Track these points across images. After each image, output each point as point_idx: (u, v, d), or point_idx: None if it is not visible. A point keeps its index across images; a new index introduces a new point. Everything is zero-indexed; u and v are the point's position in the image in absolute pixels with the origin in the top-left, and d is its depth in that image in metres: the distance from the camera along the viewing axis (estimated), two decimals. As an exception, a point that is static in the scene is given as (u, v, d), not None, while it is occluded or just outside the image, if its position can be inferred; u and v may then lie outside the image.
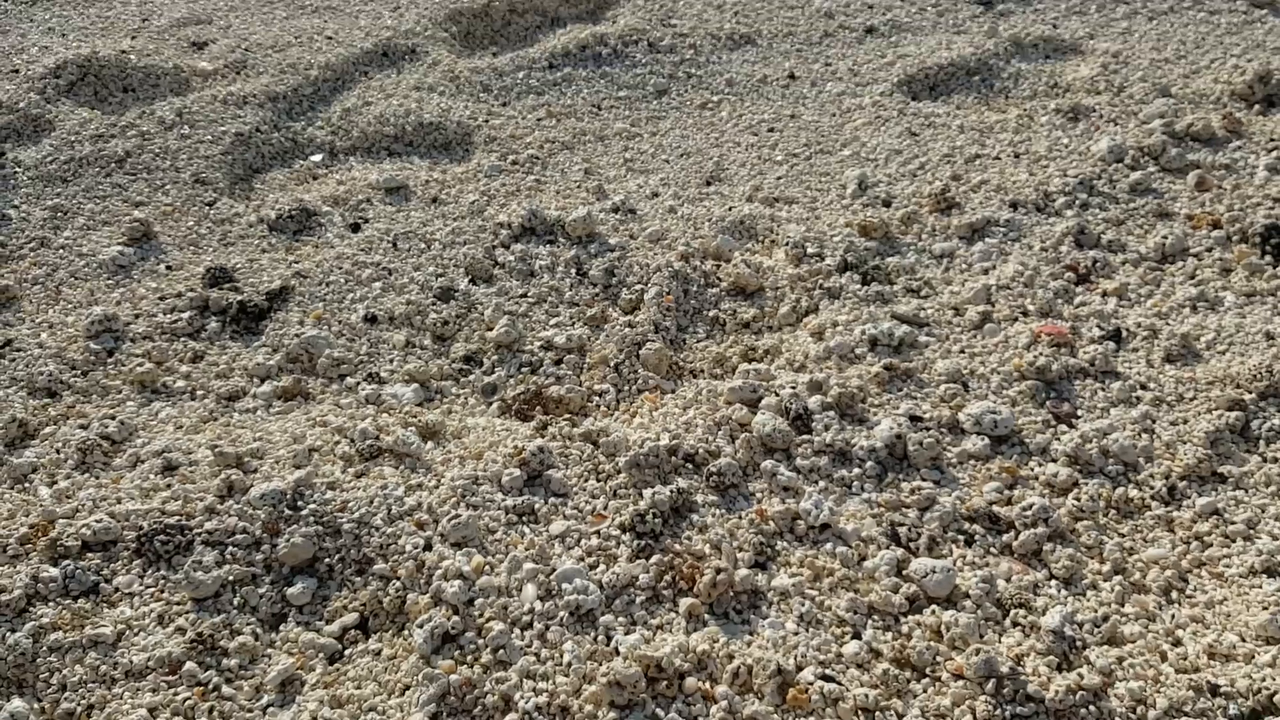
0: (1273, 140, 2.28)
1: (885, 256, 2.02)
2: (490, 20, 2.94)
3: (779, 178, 2.33)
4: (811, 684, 1.17)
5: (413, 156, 2.46)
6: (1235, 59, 2.63)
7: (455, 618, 1.26)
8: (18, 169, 2.37)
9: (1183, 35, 2.77)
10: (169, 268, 2.07)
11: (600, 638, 1.24)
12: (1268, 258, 1.95)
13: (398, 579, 1.33)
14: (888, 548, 1.38)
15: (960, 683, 1.18)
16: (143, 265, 2.08)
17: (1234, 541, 1.40)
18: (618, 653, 1.22)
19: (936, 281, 1.95)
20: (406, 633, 1.27)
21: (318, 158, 2.44)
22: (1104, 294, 1.88)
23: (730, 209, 2.19)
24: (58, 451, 1.60)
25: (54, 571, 1.35)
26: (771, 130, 2.52)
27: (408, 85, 2.64)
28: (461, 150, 2.49)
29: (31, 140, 2.48)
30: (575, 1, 3.00)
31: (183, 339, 1.88)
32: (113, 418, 1.67)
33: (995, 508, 1.44)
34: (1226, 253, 1.97)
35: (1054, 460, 1.53)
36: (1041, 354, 1.71)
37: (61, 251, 2.12)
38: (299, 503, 1.43)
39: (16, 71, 2.69)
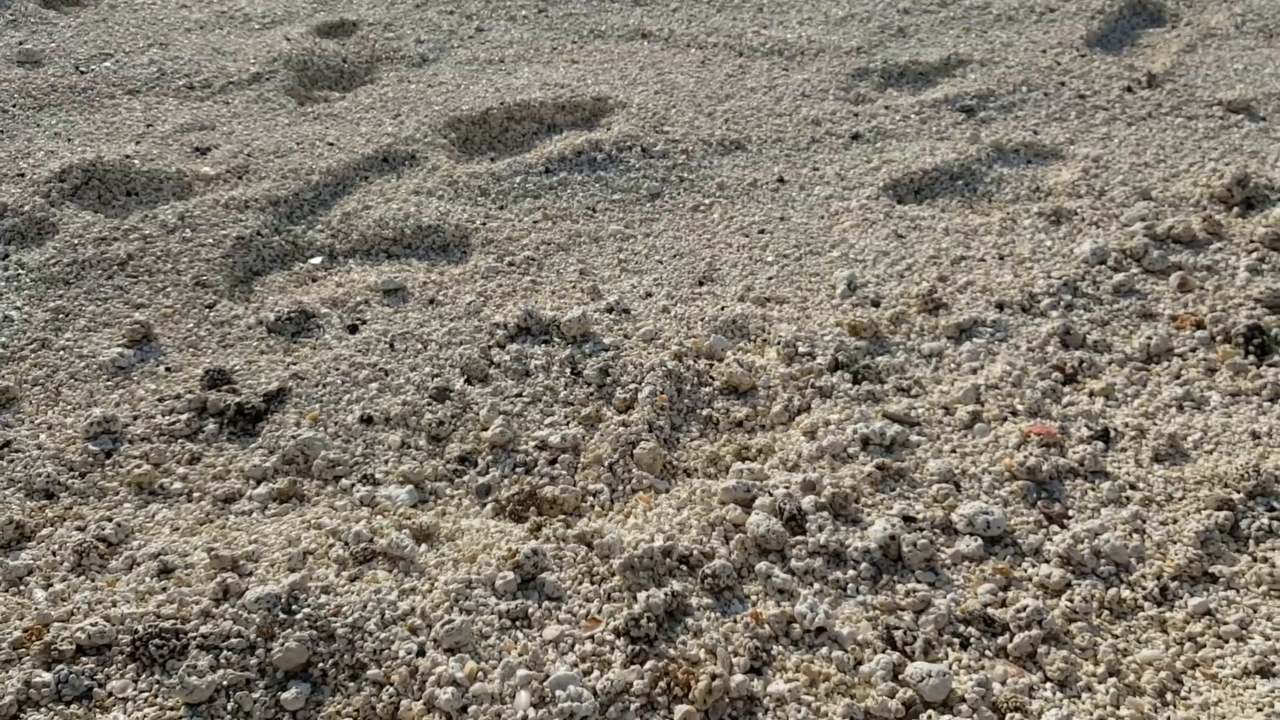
0: (1252, 242, 2.34)
1: (875, 356, 2.06)
2: (489, 127, 3.02)
3: (770, 278, 2.38)
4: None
5: (411, 259, 2.51)
6: (1213, 163, 2.71)
7: (449, 724, 1.25)
8: (21, 271, 2.41)
9: (1161, 140, 2.86)
10: (168, 369, 2.10)
11: (595, 745, 1.24)
12: (1251, 357, 1.98)
13: (391, 685, 1.33)
14: (884, 651, 1.38)
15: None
16: (142, 367, 2.10)
17: (1227, 642, 1.40)
18: (613, 760, 1.21)
19: (926, 381, 1.98)
20: (400, 740, 1.27)
21: (317, 260, 2.49)
22: (1091, 394, 1.91)
23: (723, 309, 2.23)
24: (54, 554, 1.60)
25: (47, 676, 1.34)
26: (762, 232, 2.57)
27: (407, 190, 2.70)
28: (459, 252, 2.54)
29: (35, 243, 2.52)
30: (571, 109, 3.08)
31: (180, 441, 1.89)
32: (110, 520, 1.68)
33: (990, 610, 1.44)
34: (1211, 353, 2.01)
35: (1047, 561, 1.54)
36: (1032, 454, 1.73)
37: (62, 353, 2.15)
38: (293, 607, 1.43)
39: (22, 175, 2.74)
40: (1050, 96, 3.09)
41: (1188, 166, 2.72)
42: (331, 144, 2.85)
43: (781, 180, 2.79)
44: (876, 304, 2.23)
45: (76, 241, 2.49)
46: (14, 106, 3.07)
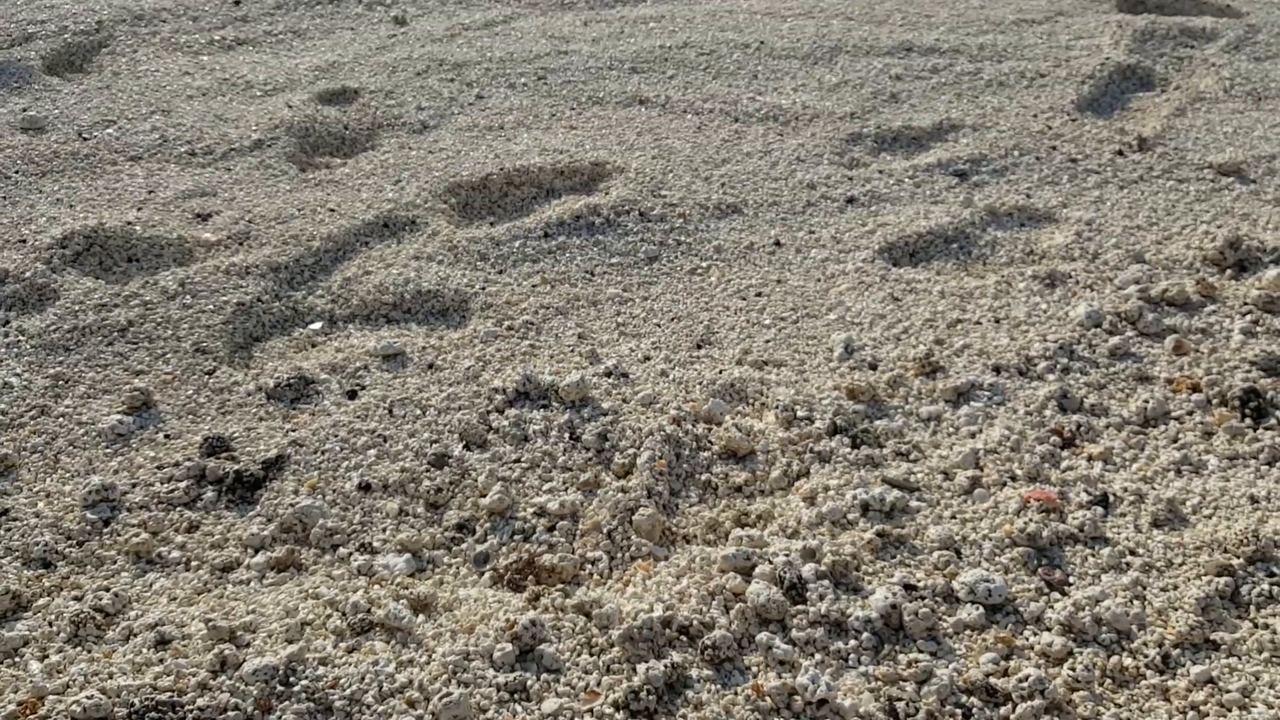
0: (1246, 304, 2.36)
1: (874, 420, 2.06)
2: (488, 192, 3.05)
3: (767, 341, 2.39)
4: None
5: (410, 323, 2.52)
6: (1205, 225, 2.74)
7: (447, 802, 1.24)
8: (21, 337, 2.42)
9: (1153, 203, 2.89)
10: (167, 436, 2.10)
11: (595, 822, 1.22)
12: (1247, 421, 1.99)
13: (389, 760, 1.31)
14: (885, 723, 1.37)
15: None
16: (141, 434, 2.10)
17: (1230, 710, 1.39)
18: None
19: (925, 445, 1.98)
20: (397, 818, 1.25)
21: (317, 326, 2.50)
22: (1089, 458, 1.92)
23: (721, 372, 2.24)
24: (50, 624, 1.59)
25: (39, 755, 1.33)
26: (759, 295, 2.59)
27: (407, 255, 2.72)
28: (458, 317, 2.55)
29: (36, 309, 2.53)
30: (569, 174, 3.12)
31: (179, 509, 1.89)
32: (107, 589, 1.67)
33: (992, 679, 1.43)
34: (1207, 416, 2.02)
35: (1048, 629, 1.53)
36: (1032, 520, 1.73)
37: (61, 420, 2.15)
38: (291, 679, 1.42)
39: (24, 241, 2.77)
40: (1042, 160, 3.13)
41: (1180, 229, 2.74)
42: (333, 210, 2.88)
43: (778, 243, 2.82)
44: (874, 367, 2.24)
45: (77, 308, 2.51)
46: (17, 173, 3.10)
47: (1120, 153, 3.16)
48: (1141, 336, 2.28)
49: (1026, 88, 3.57)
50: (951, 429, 2.03)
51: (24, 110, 3.41)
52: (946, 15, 4.14)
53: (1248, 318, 2.30)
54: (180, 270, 2.64)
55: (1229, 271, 2.50)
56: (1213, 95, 3.52)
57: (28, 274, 2.62)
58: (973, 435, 2.00)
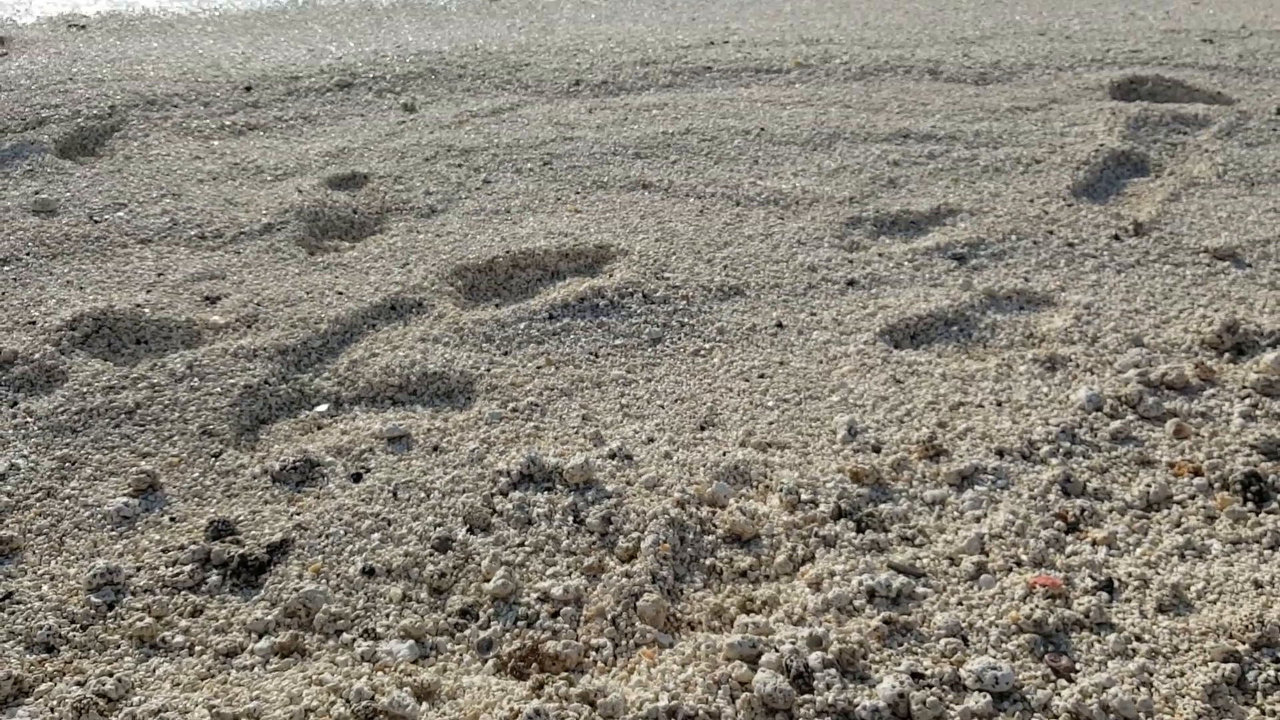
0: (1245, 388, 2.38)
1: (878, 503, 2.07)
2: (494, 274, 3.09)
3: (771, 423, 2.40)
4: None
5: (416, 405, 2.54)
6: (1203, 309, 2.78)
7: None
8: (29, 419, 2.44)
9: (1151, 287, 2.93)
10: (173, 520, 2.10)
11: None
12: (1249, 505, 1.99)
13: None
14: (893, 815, 1.35)
15: None
16: (147, 517, 2.11)
17: (1245, 805, 1.37)
18: None
19: (930, 529, 1.99)
20: None
21: (323, 408, 2.52)
22: (1094, 543, 1.92)
23: (724, 454, 2.25)
24: (53, 710, 1.58)
25: None
26: (762, 376, 2.61)
27: (414, 337, 2.75)
28: (463, 398, 2.57)
29: (44, 390, 2.55)
30: (574, 256, 3.16)
31: (183, 592, 1.88)
32: (110, 674, 1.66)
33: (1000, 770, 1.42)
34: (1210, 500, 2.02)
35: (1055, 717, 1.52)
36: (1038, 606, 1.73)
37: (67, 502, 2.16)
38: (293, 770, 1.40)
39: (33, 323, 2.80)
40: (1040, 245, 3.18)
41: (1178, 313, 2.78)
42: (340, 293, 2.92)
43: (780, 325, 2.84)
44: (878, 450, 2.25)
45: (85, 390, 2.53)
46: (28, 255, 3.14)
47: (1117, 237, 3.20)
48: (1142, 420, 2.30)
49: (1023, 173, 3.64)
50: (956, 513, 2.03)
51: (36, 193, 3.48)
52: (942, 103, 4.23)
53: (1247, 401, 2.32)
54: (188, 353, 2.67)
55: (1227, 355, 2.53)
56: (1206, 180, 3.59)
57: (37, 356, 2.64)
58: (977, 520, 2.01)
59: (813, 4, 6.41)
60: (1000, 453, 2.19)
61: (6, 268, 3.06)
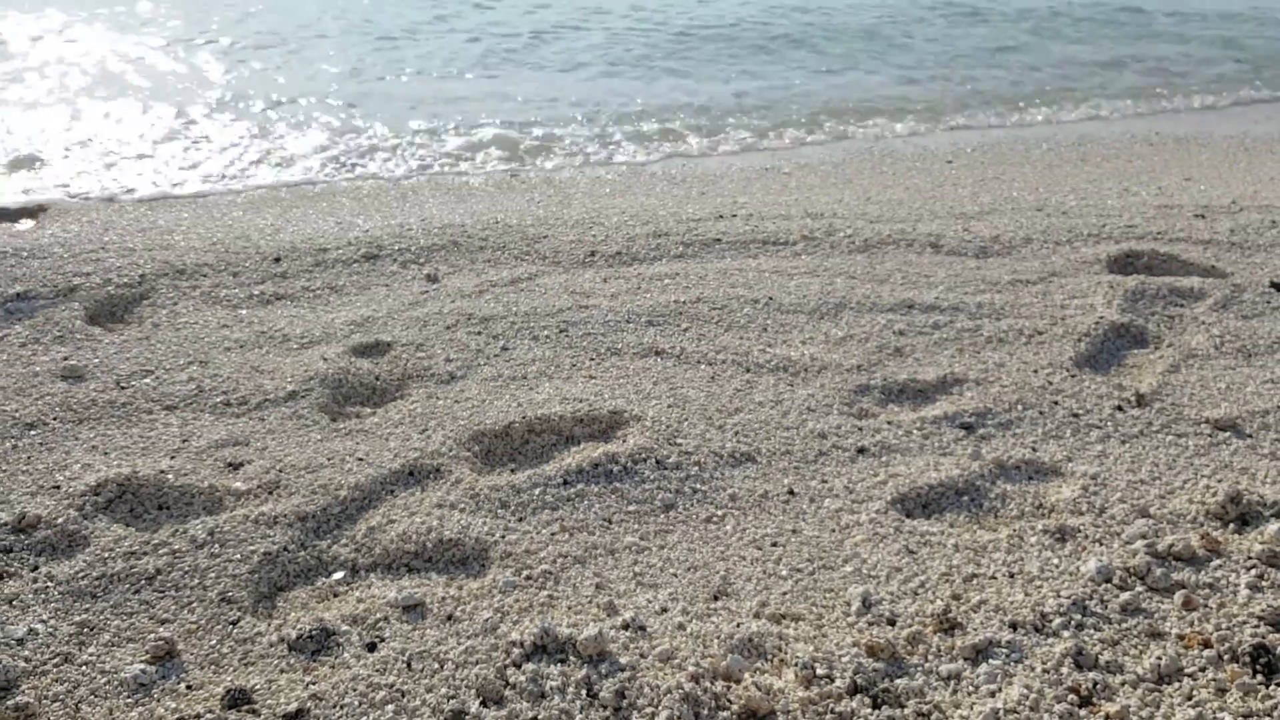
0: (1250, 559, 2.40)
1: (894, 678, 2.07)
2: (510, 439, 3.15)
3: (784, 593, 2.42)
4: None
5: (431, 572, 2.57)
6: (1206, 480, 2.82)
7: None
8: (50, 583, 2.47)
9: (1155, 457, 2.98)
10: (189, 687, 2.11)
11: None
12: (1259, 677, 2.00)
13: None
14: None
15: None
16: (163, 684, 2.12)
17: None
18: None
19: (946, 705, 1.98)
20: None
21: (339, 575, 2.55)
22: (1107, 717, 1.91)
23: (738, 625, 2.26)
24: None
25: None
26: (775, 545, 2.64)
27: (430, 503, 2.80)
28: (478, 566, 2.60)
29: (66, 555, 2.59)
30: (588, 422, 3.23)
31: (196, 766, 1.88)
32: None
33: None
34: (1219, 672, 2.03)
35: None
36: (1055, 785, 1.72)
37: (84, 668, 2.17)
38: None
39: (58, 488, 2.85)
40: (1045, 415, 3.24)
41: (1182, 484, 2.82)
42: (360, 459, 2.98)
43: (792, 492, 2.89)
44: (892, 622, 2.26)
45: (107, 555, 2.56)
46: (55, 420, 3.22)
47: (1120, 408, 3.27)
48: (1151, 592, 2.31)
49: (1026, 344, 3.74)
50: (971, 688, 2.03)
51: (65, 359, 3.58)
52: (944, 275, 4.37)
53: (1253, 572, 2.34)
54: (210, 519, 2.71)
55: (1231, 526, 2.56)
56: (1204, 352, 3.68)
57: (60, 520, 2.69)
58: (992, 694, 2.00)
59: (816, 179, 6.67)
60: (1014, 625, 2.21)
61: (33, 432, 3.14)
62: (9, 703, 2.03)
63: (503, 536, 2.69)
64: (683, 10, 11.74)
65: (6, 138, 6.86)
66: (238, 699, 2.06)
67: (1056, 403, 3.32)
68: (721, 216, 5.20)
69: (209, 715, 1.99)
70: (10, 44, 8.21)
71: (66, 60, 8.60)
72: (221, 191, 6.18)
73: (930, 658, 2.13)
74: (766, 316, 3.95)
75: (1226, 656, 2.07)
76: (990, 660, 2.10)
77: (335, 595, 2.48)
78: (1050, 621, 2.22)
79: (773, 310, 4.00)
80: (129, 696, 2.08)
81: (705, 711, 1.99)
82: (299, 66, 8.76)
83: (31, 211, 5.71)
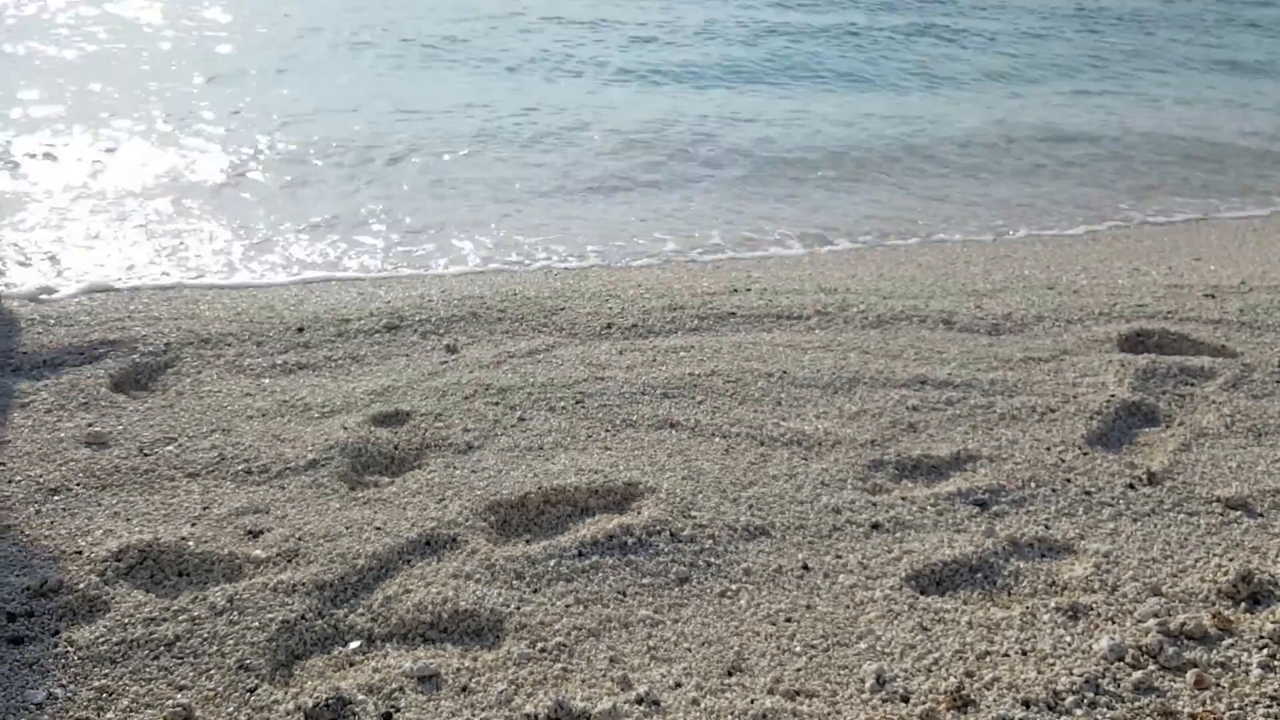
0: (1261, 638, 2.41)
1: (905, 755, 2.07)
2: (526, 510, 3.19)
3: (798, 669, 2.43)
4: None
5: (446, 643, 2.59)
6: (1218, 558, 2.83)
7: None
8: (70, 648, 2.50)
9: (1166, 536, 3.00)
10: (206, 756, 2.13)
11: None
12: (1279, 763, 2.00)
13: None
14: None
15: None
16: (181, 753, 2.13)
17: None
18: None
19: (958, 783, 1.99)
20: None
21: (356, 644, 2.57)
22: (1124, 800, 1.92)
23: (753, 702, 2.27)
24: None
25: None
26: (789, 620, 2.65)
27: (446, 573, 2.82)
28: (493, 637, 2.62)
29: (86, 620, 2.62)
30: (603, 493, 3.26)
31: (213, 834, 1.89)
32: None
33: None
34: (1238, 757, 2.03)
35: None
36: None
37: (102, 736, 2.19)
38: None
39: (79, 553, 2.89)
40: (1058, 492, 3.27)
41: (1194, 562, 2.83)
42: (378, 528, 3.02)
43: (806, 567, 2.91)
44: (906, 699, 2.27)
45: (127, 621, 2.60)
46: (78, 485, 3.27)
47: (1131, 486, 3.30)
48: (1163, 670, 2.32)
49: (1038, 421, 3.77)
50: (984, 766, 2.03)
51: (89, 425, 3.64)
52: (957, 351, 4.42)
53: (1264, 651, 2.35)
54: (229, 586, 2.75)
55: (1243, 605, 2.57)
56: (1215, 431, 3.71)
57: (81, 585, 2.73)
58: (1005, 773, 2.01)
59: (829, 255, 6.77)
60: (1026, 703, 2.21)
61: (56, 497, 3.19)
62: (29, 768, 2.06)
63: (517, 608, 2.71)
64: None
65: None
66: (255, 767, 2.07)
67: (1069, 480, 3.34)
68: (736, 290, 5.28)
69: (226, 783, 2.01)
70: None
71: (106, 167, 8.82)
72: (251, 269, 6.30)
73: (944, 735, 2.13)
74: (781, 390, 4.00)
75: (1240, 738, 2.07)
76: (1004, 739, 2.10)
77: (351, 664, 2.50)
78: (1063, 699, 2.22)
79: (787, 384, 4.04)
80: (147, 763, 2.10)
81: (719, 786, 2.00)
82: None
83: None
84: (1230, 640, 2.41)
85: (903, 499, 3.25)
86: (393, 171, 8.24)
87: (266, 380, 4.07)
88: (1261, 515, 3.10)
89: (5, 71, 10.60)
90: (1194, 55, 15.97)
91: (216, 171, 7.92)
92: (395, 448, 3.52)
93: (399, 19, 15.20)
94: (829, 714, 2.22)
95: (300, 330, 4.52)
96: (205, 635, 2.55)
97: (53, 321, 4.55)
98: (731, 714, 2.22)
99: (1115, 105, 12.19)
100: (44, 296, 5.27)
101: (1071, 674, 2.30)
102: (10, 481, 3.23)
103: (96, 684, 2.35)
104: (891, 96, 12.05)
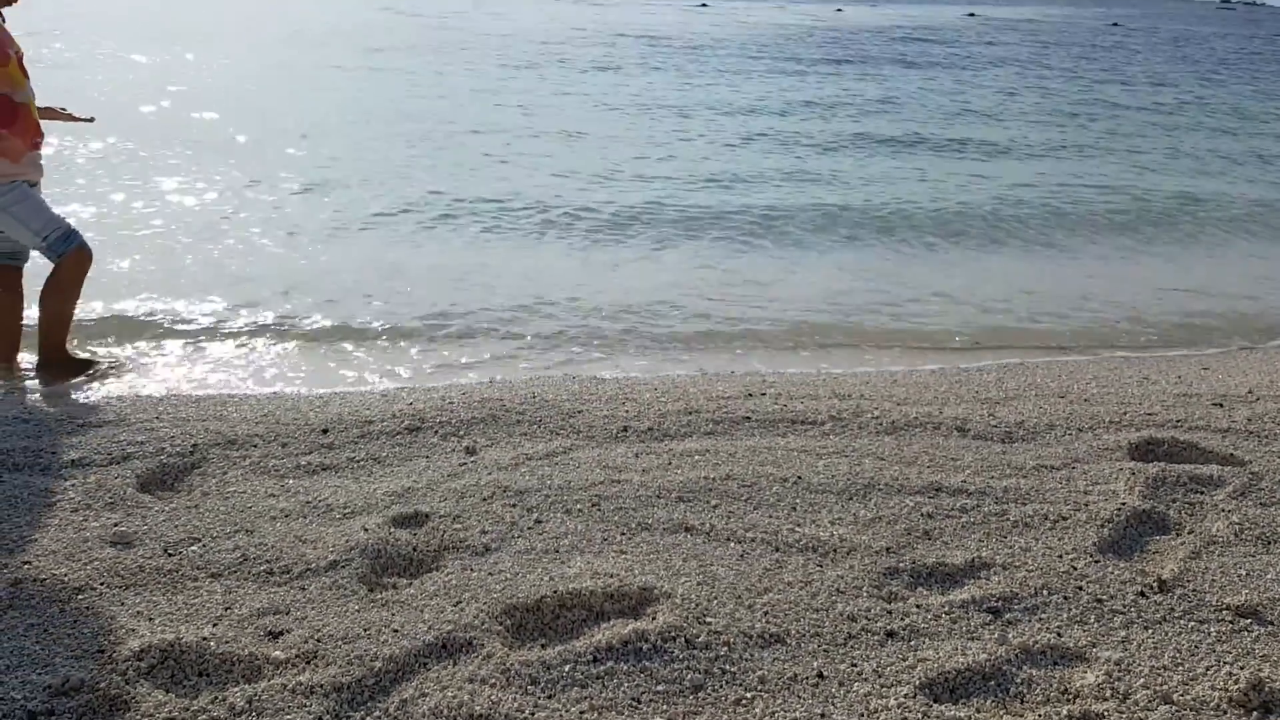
0: (1280, 753, 2.41)
1: None
2: (541, 614, 3.22)
3: (811, 777, 2.44)
4: None
5: (462, 748, 2.61)
6: (1229, 666, 2.85)
7: None
8: (91, 749, 2.53)
9: (1178, 643, 3.01)
10: None
11: None
12: None
13: None
14: None
15: None
16: None
17: None
18: None
19: None
20: None
21: (374, 747, 2.60)
22: None
23: (765, 809, 2.28)
24: None
25: None
26: (803, 728, 2.66)
27: (462, 677, 2.85)
28: (509, 742, 2.64)
29: (107, 720, 2.66)
30: (619, 598, 3.30)
31: None
32: None
33: None
34: None
35: None
36: None
37: (122, 837, 2.21)
38: None
39: (102, 652, 2.94)
40: (1070, 600, 3.29)
41: (1204, 670, 2.85)
42: (396, 631, 3.06)
43: (821, 675, 2.92)
44: (917, 809, 2.28)
45: (147, 720, 2.63)
46: (102, 585, 3.33)
47: (1142, 594, 3.32)
48: (1180, 784, 2.32)
49: (1050, 529, 3.80)
50: None
51: (115, 525, 3.71)
52: (971, 459, 4.47)
53: (1283, 767, 2.35)
54: (248, 687, 2.78)
55: (1255, 713, 2.58)
56: (1225, 539, 3.73)
57: (102, 685, 2.77)
58: None
59: (843, 360, 6.86)
60: (1040, 815, 2.22)
61: (81, 596, 3.24)
62: None
63: (532, 714, 2.74)
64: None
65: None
66: None
67: (1081, 588, 3.36)
68: (750, 395, 5.36)
69: None
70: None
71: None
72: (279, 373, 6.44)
73: (957, 846, 2.14)
74: (796, 496, 4.05)
75: None
76: None
77: (369, 767, 2.52)
78: (1077, 812, 2.23)
79: (802, 489, 4.09)
80: None
81: None
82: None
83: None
84: (1245, 754, 2.42)
85: (917, 606, 3.27)
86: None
87: (291, 481, 4.15)
88: (1272, 623, 3.11)
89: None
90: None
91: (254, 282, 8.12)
92: (414, 549, 3.58)
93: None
94: (843, 823, 2.23)
95: (325, 431, 4.62)
96: (225, 736, 2.58)
97: (81, 421, 4.66)
98: (745, 822, 2.23)
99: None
100: (74, 396, 5.40)
101: (1085, 785, 2.31)
102: (36, 580, 3.29)
103: (116, 784, 2.38)
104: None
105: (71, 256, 5.55)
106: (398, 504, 3.90)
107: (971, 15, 60.99)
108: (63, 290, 5.64)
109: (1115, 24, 59.24)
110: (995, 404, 5.29)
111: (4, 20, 5.27)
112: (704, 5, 58.63)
